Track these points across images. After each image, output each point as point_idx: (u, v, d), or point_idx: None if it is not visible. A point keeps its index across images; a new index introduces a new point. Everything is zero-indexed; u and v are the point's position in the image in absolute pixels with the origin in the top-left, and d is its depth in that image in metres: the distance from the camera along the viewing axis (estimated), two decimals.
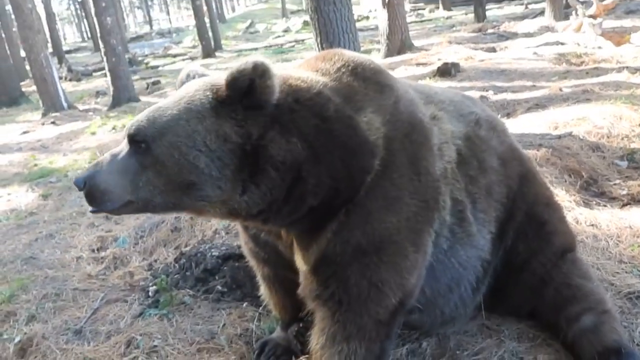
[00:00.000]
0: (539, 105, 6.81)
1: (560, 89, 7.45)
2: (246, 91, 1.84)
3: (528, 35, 14.62)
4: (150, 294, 3.59)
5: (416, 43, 14.85)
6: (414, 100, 2.33)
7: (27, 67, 15.90)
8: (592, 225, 3.65)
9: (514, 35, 15.16)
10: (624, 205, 4.16)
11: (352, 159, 2.02)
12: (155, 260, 4.07)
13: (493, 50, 12.58)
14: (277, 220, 2.08)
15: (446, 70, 9.71)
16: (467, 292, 2.53)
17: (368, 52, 15.21)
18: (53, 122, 12.58)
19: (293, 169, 1.93)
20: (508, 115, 6.71)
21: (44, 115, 13.64)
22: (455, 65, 9.91)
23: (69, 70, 22.36)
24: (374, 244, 2.06)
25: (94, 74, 22.89)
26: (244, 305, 3.23)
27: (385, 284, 2.09)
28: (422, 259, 2.21)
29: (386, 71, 2.33)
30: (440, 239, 2.30)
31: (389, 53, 13.71)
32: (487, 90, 8.21)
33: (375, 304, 2.10)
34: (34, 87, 15.86)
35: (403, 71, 11.12)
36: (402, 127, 2.15)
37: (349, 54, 2.29)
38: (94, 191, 1.93)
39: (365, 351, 2.13)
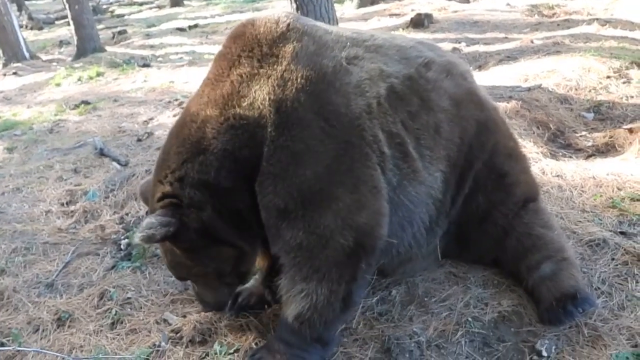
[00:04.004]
0: (510, 57, 6.84)
1: (532, 41, 7.47)
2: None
3: None
4: (122, 247, 3.59)
5: None
6: (320, 50, 2.36)
7: None
8: (558, 175, 3.75)
9: None
10: (589, 156, 4.28)
11: (235, 157, 2.23)
12: (127, 214, 4.05)
13: (467, 1, 12.44)
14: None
15: (419, 22, 9.61)
16: (420, 231, 2.58)
17: (340, 2, 14.90)
18: (15, 73, 12.08)
19: (212, 222, 2.29)
20: (480, 67, 6.74)
21: (4, 65, 13.05)
22: (428, 17, 9.82)
23: (30, 18, 21.33)
24: (294, 200, 2.17)
25: (57, 22, 21.84)
26: None
27: (323, 228, 2.16)
28: (371, 195, 2.25)
29: (290, 31, 2.36)
30: (387, 174, 2.34)
31: (362, 3, 13.46)
32: (459, 42, 8.19)
33: (320, 248, 2.17)
34: None
35: (376, 22, 10.97)
36: (294, 85, 2.23)
37: (251, 30, 2.38)
38: None
39: (328, 292, 2.20)
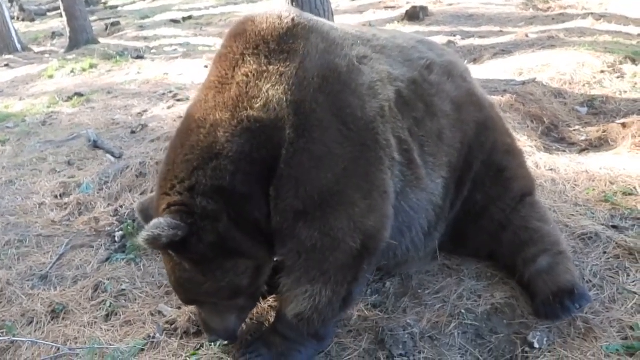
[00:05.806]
0: (505, 51, 6.86)
1: (527, 35, 7.49)
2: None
3: None
4: (116, 239, 3.58)
5: None
6: (330, 47, 2.28)
7: None
8: (551, 169, 3.76)
9: None
10: (582, 150, 4.30)
11: (252, 158, 2.11)
12: (121, 206, 4.03)
13: None
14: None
15: (414, 14, 9.61)
16: (418, 236, 2.59)
17: None
18: (7, 65, 11.99)
19: (228, 233, 2.14)
20: (475, 61, 6.75)
21: None
22: (423, 9, 9.82)
23: (21, 9, 21.14)
24: (313, 202, 2.12)
25: (49, 13, 21.67)
26: None
27: (337, 231, 2.14)
28: (381, 199, 2.24)
29: (297, 26, 2.26)
30: (393, 179, 2.32)
31: None
32: (454, 36, 8.19)
33: (331, 250, 2.15)
34: None
35: (371, 15, 10.96)
36: (311, 85, 2.15)
37: (252, 27, 2.25)
38: None
39: (331, 293, 2.20)
